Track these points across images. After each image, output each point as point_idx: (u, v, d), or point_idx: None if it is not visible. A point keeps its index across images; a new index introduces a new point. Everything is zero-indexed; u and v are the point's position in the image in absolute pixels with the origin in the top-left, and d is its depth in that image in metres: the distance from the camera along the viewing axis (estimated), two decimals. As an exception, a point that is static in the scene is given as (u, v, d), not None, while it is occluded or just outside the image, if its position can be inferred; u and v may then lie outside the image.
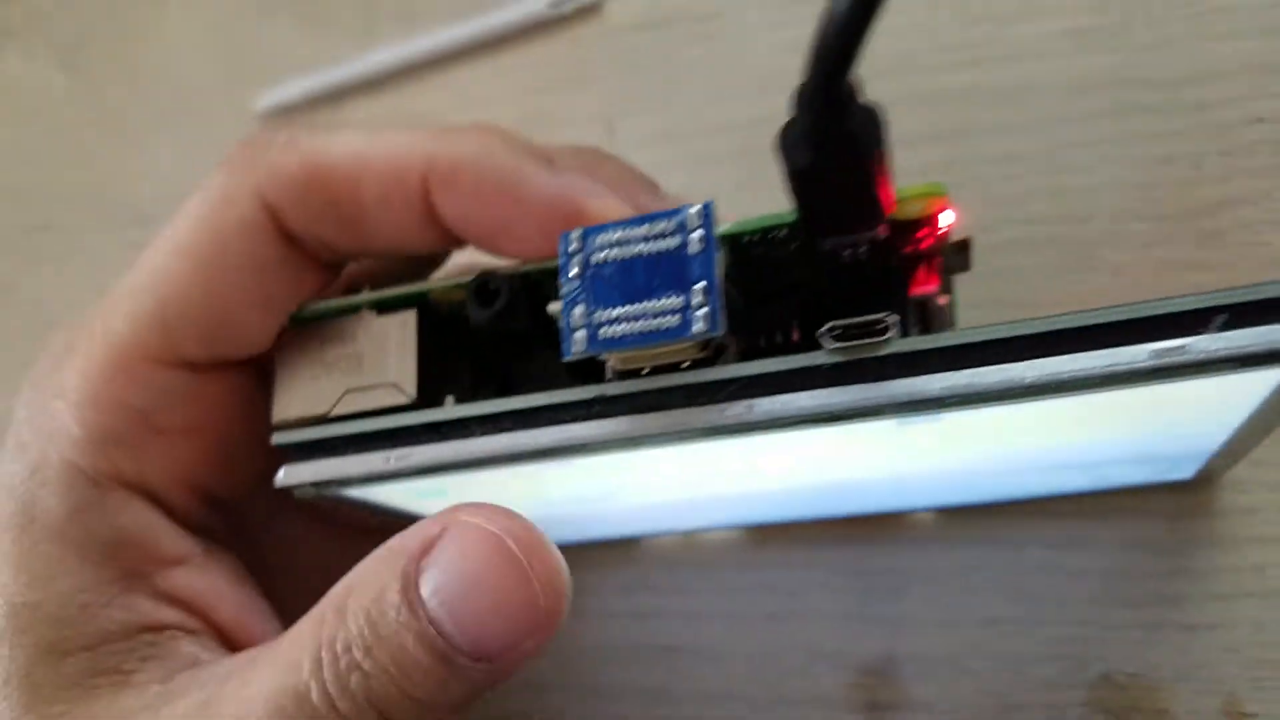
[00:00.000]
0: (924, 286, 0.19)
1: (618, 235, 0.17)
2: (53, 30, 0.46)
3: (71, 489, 0.20)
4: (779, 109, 0.32)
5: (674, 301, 0.16)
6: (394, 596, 0.16)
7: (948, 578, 0.27)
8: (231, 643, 0.21)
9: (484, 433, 0.19)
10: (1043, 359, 0.16)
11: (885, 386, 0.16)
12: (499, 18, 0.35)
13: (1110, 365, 0.15)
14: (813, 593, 0.28)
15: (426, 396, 0.19)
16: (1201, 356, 0.15)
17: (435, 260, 0.24)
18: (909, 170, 0.29)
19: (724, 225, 0.18)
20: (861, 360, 0.17)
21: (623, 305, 0.16)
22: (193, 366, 0.21)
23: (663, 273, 0.16)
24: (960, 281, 0.28)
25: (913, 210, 0.18)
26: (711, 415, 0.17)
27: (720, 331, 0.16)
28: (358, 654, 0.16)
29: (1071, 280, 0.28)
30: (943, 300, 0.19)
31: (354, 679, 0.16)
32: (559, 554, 0.17)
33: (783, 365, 0.17)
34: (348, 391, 0.20)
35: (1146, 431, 0.20)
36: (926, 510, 0.27)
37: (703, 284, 0.16)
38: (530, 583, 0.17)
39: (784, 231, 0.18)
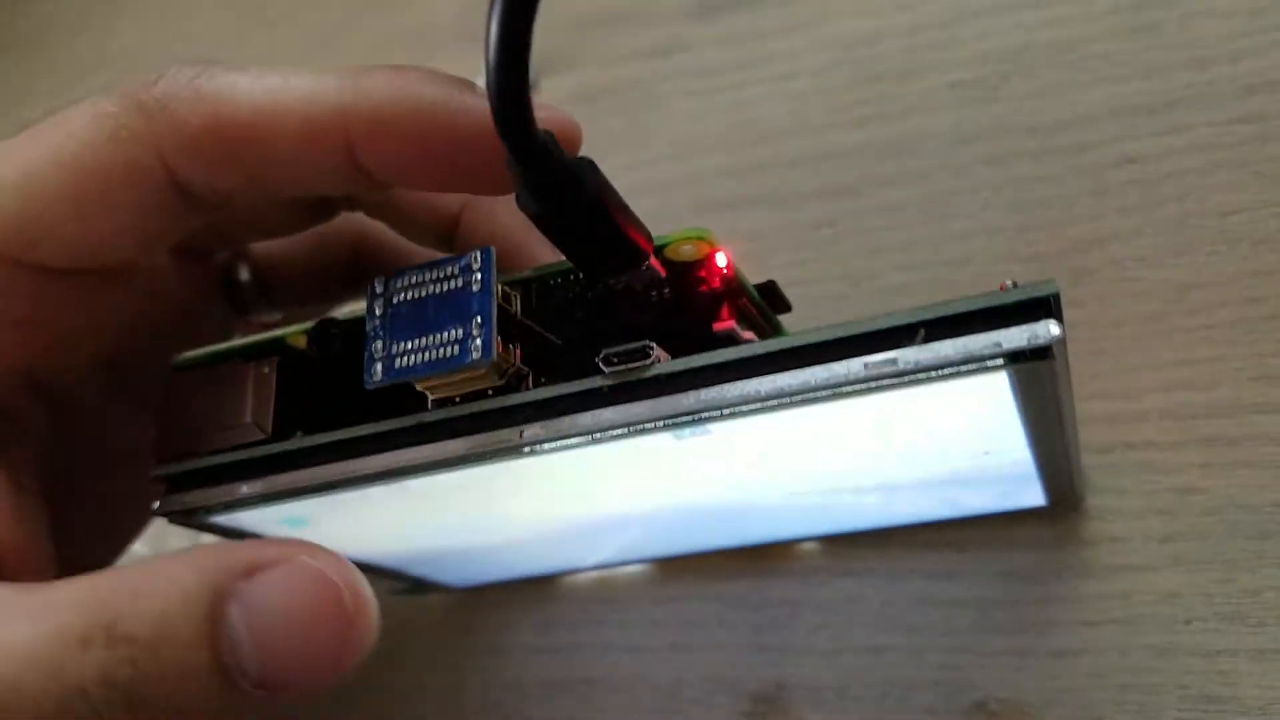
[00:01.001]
0: (724, 323, 0.21)
1: (415, 279, 0.19)
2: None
3: None
4: (690, 171, 0.35)
5: (456, 333, 0.19)
6: (198, 609, 0.17)
7: (835, 608, 0.28)
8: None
9: (323, 461, 0.21)
10: (776, 374, 0.18)
11: (651, 404, 0.18)
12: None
13: (829, 377, 0.17)
14: (712, 624, 0.30)
15: (281, 432, 0.22)
16: (910, 366, 0.17)
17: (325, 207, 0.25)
18: (802, 225, 0.32)
19: (525, 271, 0.20)
20: (632, 382, 0.19)
21: (415, 338, 0.19)
22: (44, 269, 0.21)
23: (449, 309, 0.19)
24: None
25: (686, 253, 0.20)
26: (512, 435, 0.19)
27: (492, 358, 0.18)
28: (136, 650, 0.17)
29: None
30: (748, 335, 0.21)
31: (121, 671, 0.16)
32: (377, 613, 0.18)
33: (570, 389, 0.19)
34: (217, 430, 0.22)
35: (952, 451, 0.22)
36: (812, 538, 0.28)
37: (479, 318, 0.18)
38: (349, 641, 0.18)
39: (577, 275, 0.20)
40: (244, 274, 0.27)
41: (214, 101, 0.19)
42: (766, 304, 0.23)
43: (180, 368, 0.23)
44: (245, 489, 0.21)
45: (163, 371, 0.23)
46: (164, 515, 0.22)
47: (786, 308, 0.23)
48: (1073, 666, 0.26)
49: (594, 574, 0.31)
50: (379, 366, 0.19)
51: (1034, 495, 0.25)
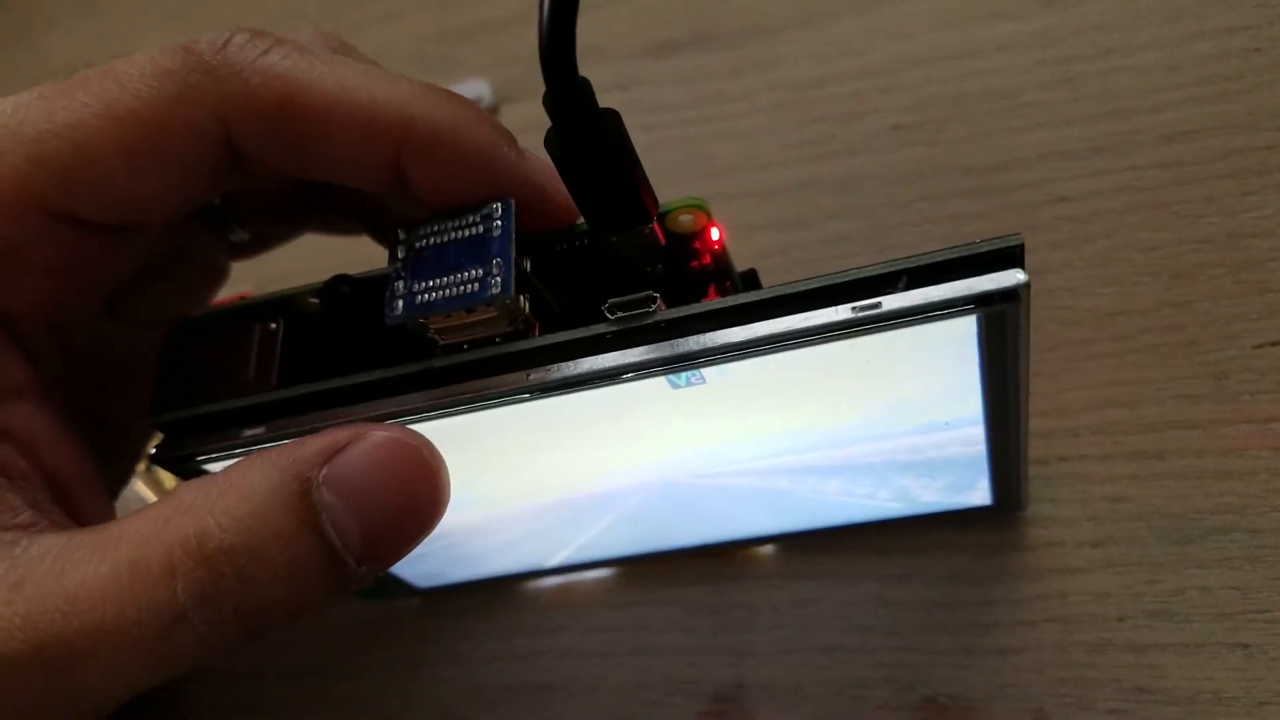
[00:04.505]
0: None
1: (437, 226, 0.21)
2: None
3: None
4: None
5: (476, 273, 0.20)
6: (290, 500, 0.18)
7: (790, 610, 0.31)
8: (57, 491, 0.22)
9: (324, 407, 0.22)
10: (774, 319, 0.20)
11: (655, 348, 0.21)
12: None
13: (820, 321, 0.20)
14: (671, 628, 0.32)
15: (285, 384, 0.23)
16: (894, 309, 0.20)
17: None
18: (751, 253, 0.34)
19: (533, 235, 0.22)
20: (636, 328, 0.21)
21: (436, 278, 0.20)
22: (79, 221, 0.21)
23: (470, 252, 0.21)
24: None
25: (684, 224, 0.22)
26: (519, 379, 0.21)
27: (511, 293, 0.20)
28: (237, 559, 0.17)
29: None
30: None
31: (223, 585, 0.17)
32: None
33: (577, 335, 0.21)
34: (220, 385, 0.23)
35: (917, 417, 0.24)
36: (774, 537, 0.30)
37: (499, 259, 0.20)
38: (439, 488, 0.19)
39: (586, 240, 0.22)
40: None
41: (289, 80, 0.20)
42: (747, 290, 0.25)
43: (185, 326, 0.24)
44: (247, 433, 0.22)
45: (158, 292, 0.24)
46: (160, 462, 0.23)
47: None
48: (1014, 663, 0.28)
49: (554, 580, 0.33)
50: (400, 303, 0.21)
51: (981, 493, 0.27)
